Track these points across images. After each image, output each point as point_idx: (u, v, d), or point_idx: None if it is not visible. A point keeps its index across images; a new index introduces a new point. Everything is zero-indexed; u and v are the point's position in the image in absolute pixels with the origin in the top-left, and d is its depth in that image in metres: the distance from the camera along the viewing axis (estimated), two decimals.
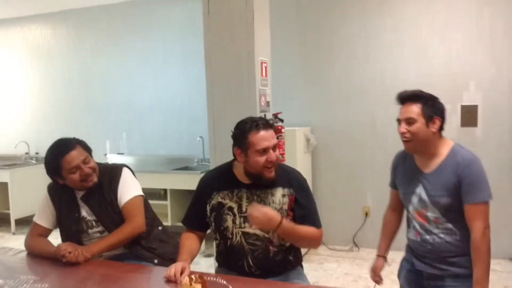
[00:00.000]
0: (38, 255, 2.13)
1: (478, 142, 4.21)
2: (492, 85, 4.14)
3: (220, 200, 1.98)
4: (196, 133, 5.10)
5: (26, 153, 6.07)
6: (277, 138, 3.50)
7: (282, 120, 3.72)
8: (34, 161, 5.92)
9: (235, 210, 1.95)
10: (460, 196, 1.81)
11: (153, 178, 4.89)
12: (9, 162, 5.87)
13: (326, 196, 4.78)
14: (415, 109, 1.84)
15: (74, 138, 2.23)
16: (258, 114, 3.43)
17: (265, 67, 3.61)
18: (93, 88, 5.86)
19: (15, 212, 5.43)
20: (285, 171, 2.01)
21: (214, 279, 1.77)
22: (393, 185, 2.14)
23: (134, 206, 2.22)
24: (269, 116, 3.61)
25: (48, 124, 6.02)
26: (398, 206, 2.15)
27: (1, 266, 2.06)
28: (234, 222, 1.94)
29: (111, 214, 2.20)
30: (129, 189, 2.25)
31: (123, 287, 1.82)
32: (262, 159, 1.87)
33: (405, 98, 1.91)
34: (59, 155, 2.13)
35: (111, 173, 2.27)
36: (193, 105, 5.25)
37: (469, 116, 4.25)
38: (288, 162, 3.91)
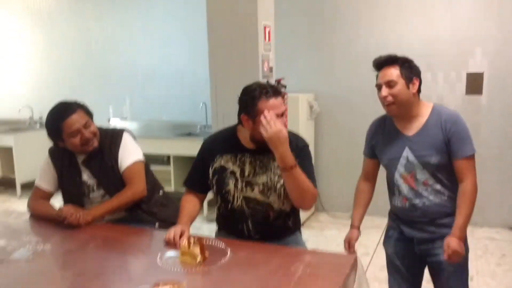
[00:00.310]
0: (41, 218, 2.17)
1: (482, 110, 4.17)
2: (499, 52, 4.06)
3: (223, 164, 1.98)
4: (199, 99, 5.08)
5: (30, 118, 6.08)
6: None
7: (285, 86, 3.69)
8: (38, 126, 5.93)
9: (238, 175, 1.95)
10: (448, 153, 1.84)
11: (156, 143, 4.91)
12: (13, 126, 5.89)
13: (328, 163, 4.79)
14: (394, 72, 1.85)
15: (75, 102, 2.23)
16: (261, 80, 3.40)
17: (269, 32, 3.55)
18: (96, 53, 5.80)
19: (20, 176, 5.49)
20: (288, 137, 2.00)
21: (213, 242, 1.80)
22: (369, 153, 2.13)
23: (135, 171, 2.23)
24: (271, 81, 3.58)
25: (51, 88, 6.00)
26: (372, 176, 2.16)
27: (4, 228, 2.10)
28: (236, 186, 1.95)
29: (112, 178, 2.22)
30: (130, 154, 2.26)
31: (125, 250, 1.86)
32: None
33: (382, 62, 1.91)
34: (60, 118, 2.12)
35: (112, 138, 2.28)
36: (196, 71, 5.20)
37: (475, 83, 4.18)
38: (290, 128, 3.91)
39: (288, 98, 3.66)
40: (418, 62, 4.44)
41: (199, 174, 2.07)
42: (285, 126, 1.91)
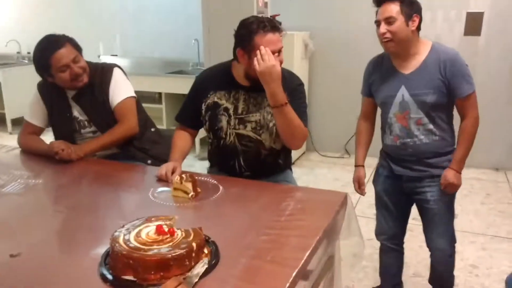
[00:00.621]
0: (31, 153, 2.15)
1: (479, 52, 4.11)
2: None
3: (216, 100, 1.96)
4: (191, 36, 4.93)
5: (18, 53, 5.92)
6: None
7: (280, 23, 3.58)
8: (26, 61, 5.78)
9: (231, 111, 1.93)
10: (446, 92, 1.84)
11: (147, 81, 4.82)
12: (1, 61, 5.74)
13: (322, 103, 4.76)
14: (394, 8, 1.80)
15: (63, 35, 2.14)
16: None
17: None
18: None
19: (10, 112, 5.43)
20: (283, 75, 1.96)
21: (205, 179, 1.81)
22: (367, 92, 2.10)
23: (126, 107, 2.20)
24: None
25: (38, 22, 5.78)
26: (371, 114, 2.16)
27: None
28: (228, 123, 1.94)
29: (103, 114, 2.19)
30: (121, 90, 2.21)
31: (117, 185, 1.86)
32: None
33: None
34: (48, 52, 2.05)
35: (102, 73, 2.22)
36: (188, 5, 5.01)
37: (474, 23, 4.09)
38: (284, 67, 3.85)
39: (285, 35, 3.56)
40: None
41: (191, 110, 2.04)
42: (282, 63, 1.86)
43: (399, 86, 1.90)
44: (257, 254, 1.21)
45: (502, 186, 3.97)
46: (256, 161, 1.96)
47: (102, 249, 1.21)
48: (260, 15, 3.26)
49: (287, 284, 1.07)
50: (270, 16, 3.46)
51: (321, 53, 4.62)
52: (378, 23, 1.85)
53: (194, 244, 1.13)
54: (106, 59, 5.39)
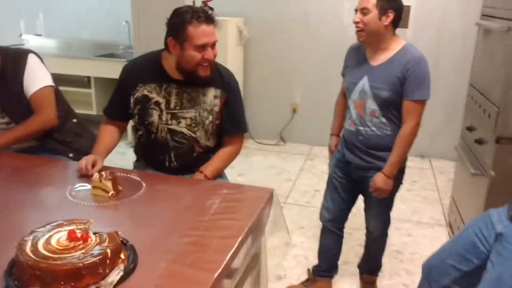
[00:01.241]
0: None
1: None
2: None
3: (146, 93, 1.87)
4: (122, 17, 4.70)
5: None
6: None
7: (212, 9, 3.50)
8: None
9: (162, 106, 1.86)
10: (400, 92, 1.91)
11: (75, 64, 4.57)
12: None
13: (257, 90, 4.76)
14: (371, 1, 1.87)
15: None
16: (186, 1, 3.21)
17: None
18: None
19: None
20: (219, 71, 1.90)
21: (128, 175, 1.73)
22: (343, 74, 2.19)
23: (43, 97, 2.05)
24: (198, 3, 3.38)
25: None
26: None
27: None
28: (160, 118, 1.86)
29: (17, 105, 2.03)
30: (37, 78, 2.05)
31: (34, 181, 1.73)
32: (198, 55, 1.73)
33: None
34: None
35: (15, 60, 2.05)
36: None
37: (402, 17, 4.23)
38: (218, 54, 3.77)
39: (220, 27, 3.49)
40: None
41: (119, 102, 1.95)
42: (215, 57, 1.81)
43: (362, 75, 1.98)
44: (178, 258, 1.17)
45: (426, 173, 4.19)
46: (188, 157, 1.91)
47: (7, 258, 1.12)
48: (191, 2, 3.18)
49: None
50: (202, 2, 3.39)
51: (256, 40, 4.60)
52: (355, 11, 1.92)
53: (108, 251, 1.07)
54: (29, 38, 5.04)
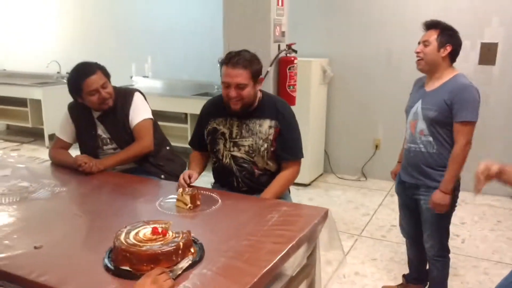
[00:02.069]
0: (59, 164, 2.44)
1: (493, 81, 4.21)
2: None
3: (215, 126, 2.24)
4: (217, 58, 5.22)
5: (58, 73, 6.38)
6: (289, 69, 3.64)
7: (295, 51, 3.80)
8: (65, 80, 6.21)
9: (227, 136, 2.20)
10: (447, 114, 2.11)
11: (175, 102, 5.14)
12: (42, 80, 6.21)
13: (339, 126, 4.94)
14: (432, 34, 2.15)
15: (95, 63, 2.43)
16: (272, 44, 3.54)
17: None
18: (118, 13, 5.99)
19: (48, 127, 5.84)
20: (273, 104, 2.21)
21: (208, 193, 2.03)
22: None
23: (143, 127, 2.46)
24: (283, 46, 3.70)
25: (77, 45, 6.26)
26: None
27: (28, 171, 2.37)
28: (225, 145, 2.19)
29: (123, 134, 2.46)
30: (139, 112, 2.48)
31: (130, 195, 2.10)
32: (224, 92, 2.10)
33: (428, 25, 2.22)
34: (81, 77, 2.33)
35: (124, 98, 2.49)
36: (214, 30, 5.31)
37: (488, 53, 4.20)
38: (301, 93, 4.05)
39: (300, 63, 3.76)
40: None
41: (199, 135, 2.33)
42: (243, 96, 2.09)
43: (418, 99, 2.24)
44: (235, 255, 1.42)
45: None
46: (251, 179, 2.20)
47: (107, 246, 1.44)
48: (276, 43, 3.51)
49: (255, 280, 1.27)
50: (286, 45, 3.69)
51: (339, 78, 4.82)
52: (418, 44, 2.22)
53: (181, 243, 1.35)
54: (138, 79, 5.76)
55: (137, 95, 2.53)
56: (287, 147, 2.19)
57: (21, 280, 1.31)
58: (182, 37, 5.64)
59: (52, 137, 5.83)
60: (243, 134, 2.17)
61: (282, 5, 3.64)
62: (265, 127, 2.16)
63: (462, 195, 4.58)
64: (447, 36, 2.15)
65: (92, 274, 1.33)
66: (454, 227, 3.69)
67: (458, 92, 2.07)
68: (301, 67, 4.14)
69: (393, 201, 4.31)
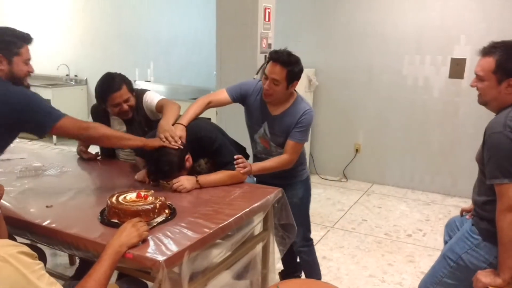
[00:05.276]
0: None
1: (462, 93, 4.62)
2: (482, 40, 4.43)
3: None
4: (214, 68, 5.67)
5: (67, 75, 6.85)
6: None
7: None
8: (73, 83, 6.70)
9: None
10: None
11: None
12: (52, 82, 6.66)
13: (324, 131, 5.36)
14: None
15: (122, 77, 2.55)
16: (259, 55, 3.97)
17: (269, 12, 4.08)
18: (124, 20, 6.49)
19: None
20: (199, 146, 2.31)
21: None
22: None
23: (164, 101, 2.57)
24: None
25: (85, 50, 6.74)
26: None
27: (41, 155, 2.81)
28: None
29: (139, 131, 2.61)
30: (154, 97, 2.62)
31: (130, 176, 2.52)
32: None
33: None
34: (107, 92, 2.48)
35: (138, 98, 2.65)
36: (212, 40, 5.75)
37: (457, 68, 4.62)
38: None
39: None
40: (409, 44, 5.06)
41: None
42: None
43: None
44: (200, 216, 1.84)
45: None
46: None
47: (103, 206, 1.87)
48: (263, 54, 3.94)
49: (211, 231, 1.71)
50: None
51: (324, 87, 5.26)
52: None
53: (157, 204, 1.78)
54: (141, 84, 6.20)
55: (148, 92, 2.69)
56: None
57: (38, 227, 1.74)
58: (183, 46, 6.11)
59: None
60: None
61: (269, 20, 4.09)
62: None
63: (431, 196, 4.98)
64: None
65: (90, 224, 1.76)
66: (418, 223, 4.11)
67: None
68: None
69: (368, 200, 4.72)
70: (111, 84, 2.50)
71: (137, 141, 2.21)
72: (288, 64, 2.29)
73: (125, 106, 2.53)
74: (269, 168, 2.39)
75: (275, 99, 2.40)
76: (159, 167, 2.13)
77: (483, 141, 1.84)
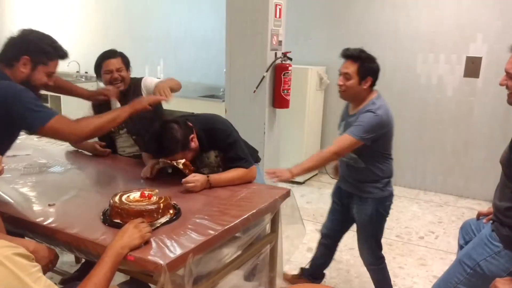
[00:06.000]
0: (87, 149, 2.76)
1: (477, 92, 4.51)
2: (498, 39, 4.34)
3: None
4: (223, 65, 5.61)
5: (77, 72, 6.85)
6: (284, 75, 3.99)
7: (290, 59, 4.17)
8: (83, 79, 6.70)
9: None
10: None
11: (184, 102, 5.50)
12: (63, 78, 6.65)
13: (334, 130, 5.24)
14: None
15: (120, 52, 2.80)
16: (269, 52, 3.91)
17: (280, 9, 4.01)
18: (135, 18, 6.47)
19: None
20: (212, 137, 2.25)
21: None
22: None
23: (164, 81, 2.65)
24: (279, 54, 4.07)
25: (96, 47, 6.67)
26: None
27: (46, 152, 2.78)
28: None
29: (135, 120, 2.55)
30: (154, 79, 2.78)
31: (133, 172, 2.47)
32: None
33: None
34: (103, 58, 2.72)
35: (135, 85, 2.77)
36: (222, 38, 5.71)
37: (472, 67, 4.51)
38: (297, 98, 4.42)
39: (296, 70, 4.08)
40: (423, 42, 4.96)
41: None
42: None
43: None
44: (205, 217, 1.78)
45: None
46: None
47: (105, 205, 1.82)
48: (273, 52, 3.87)
49: (216, 233, 1.65)
50: (282, 53, 4.06)
51: (335, 85, 5.10)
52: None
53: (161, 205, 1.73)
54: None
55: (145, 78, 2.82)
56: (235, 162, 2.30)
57: (38, 226, 1.70)
58: (193, 43, 6.07)
59: None
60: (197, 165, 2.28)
61: (279, 17, 4.02)
62: (212, 158, 2.30)
63: (444, 197, 4.89)
64: None
65: (91, 224, 1.71)
66: (431, 225, 4.02)
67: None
68: (298, 74, 4.51)
69: None
70: (109, 52, 2.76)
71: (126, 112, 2.17)
72: (358, 59, 2.40)
73: (116, 74, 2.70)
74: (311, 166, 2.37)
75: (348, 95, 2.45)
76: (162, 144, 2.08)
77: (510, 143, 1.74)
